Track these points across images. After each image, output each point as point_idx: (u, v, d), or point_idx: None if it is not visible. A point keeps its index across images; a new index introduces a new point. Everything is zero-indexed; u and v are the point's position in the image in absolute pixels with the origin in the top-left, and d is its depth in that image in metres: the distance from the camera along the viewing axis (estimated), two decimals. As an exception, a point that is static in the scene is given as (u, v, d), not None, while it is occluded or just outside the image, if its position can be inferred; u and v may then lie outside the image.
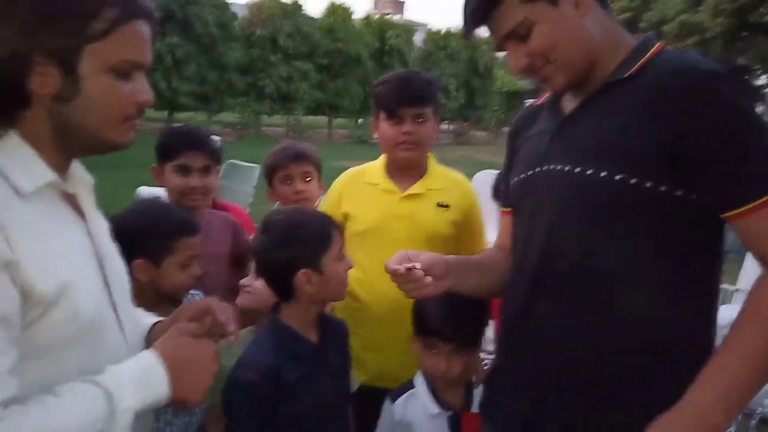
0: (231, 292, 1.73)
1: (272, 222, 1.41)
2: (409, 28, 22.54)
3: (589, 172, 1.06)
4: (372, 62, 20.35)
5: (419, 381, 1.54)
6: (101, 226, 1.01)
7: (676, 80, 1.02)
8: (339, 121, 21.30)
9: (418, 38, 23.22)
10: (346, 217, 1.83)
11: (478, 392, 1.51)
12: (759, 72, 23.80)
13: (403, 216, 1.77)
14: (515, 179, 1.26)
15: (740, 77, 1.08)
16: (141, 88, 0.92)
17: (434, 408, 1.49)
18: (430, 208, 1.79)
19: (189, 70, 16.47)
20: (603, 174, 1.04)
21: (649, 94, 1.03)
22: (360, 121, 20.83)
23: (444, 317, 1.45)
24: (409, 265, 1.17)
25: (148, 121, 17.82)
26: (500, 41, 1.11)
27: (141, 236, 1.44)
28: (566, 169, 1.10)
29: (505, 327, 1.26)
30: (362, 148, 17.08)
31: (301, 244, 1.36)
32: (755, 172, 0.97)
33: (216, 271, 1.76)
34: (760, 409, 2.95)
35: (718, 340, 1.07)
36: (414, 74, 1.81)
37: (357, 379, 1.73)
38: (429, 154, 1.86)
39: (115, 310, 0.96)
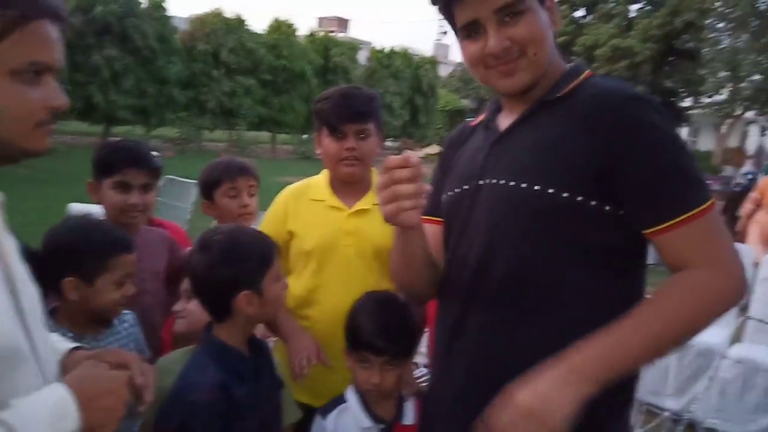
0: (166, 309, 1.69)
1: (212, 241, 1.38)
2: (353, 46, 22.73)
3: (523, 186, 1.09)
4: (316, 79, 20.39)
5: (350, 395, 1.54)
6: (11, 247, 0.93)
7: (602, 102, 1.07)
8: (282, 136, 21.17)
9: (362, 56, 23.43)
10: (291, 235, 1.80)
11: (410, 404, 1.53)
12: (684, 95, 25.24)
13: (351, 233, 1.75)
14: (449, 193, 1.27)
15: (659, 101, 1.13)
16: (52, 91, 0.87)
17: (366, 421, 1.49)
18: (377, 224, 1.71)
19: (127, 83, 16.01)
20: (537, 188, 1.07)
21: (578, 114, 1.08)
22: (304, 136, 20.79)
23: (376, 331, 1.46)
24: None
25: (84, 135, 17.21)
26: (489, 14, 1.09)
27: (74, 253, 1.39)
28: (501, 182, 1.13)
29: (440, 340, 1.26)
30: (306, 163, 17.01)
31: (242, 264, 1.34)
32: (671, 192, 1.02)
33: (152, 288, 1.72)
34: (687, 414, 3.09)
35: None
36: (355, 90, 1.80)
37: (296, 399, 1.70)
38: (373, 169, 1.85)
39: (29, 337, 0.89)
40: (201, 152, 17.15)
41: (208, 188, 2.02)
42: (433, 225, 1.31)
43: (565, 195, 1.05)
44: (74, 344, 1.10)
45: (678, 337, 1.03)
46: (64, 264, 1.39)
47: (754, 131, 25.79)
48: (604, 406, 1.02)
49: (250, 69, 18.77)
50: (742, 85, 20.98)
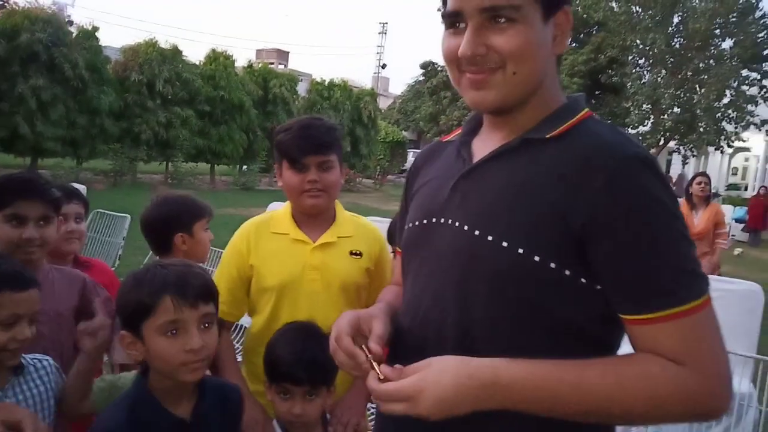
0: (71, 353, 1.55)
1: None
2: (292, 78, 22.75)
3: (489, 239, 0.94)
4: (256, 110, 20.21)
5: (276, 427, 1.52)
6: None
7: (596, 158, 0.90)
8: (222, 168, 20.78)
9: (302, 87, 23.47)
10: (252, 269, 1.74)
11: None
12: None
13: (317, 267, 1.70)
14: (409, 225, 1.13)
15: (658, 165, 0.94)
16: None
17: None
18: (343, 257, 1.74)
19: (56, 114, 15.35)
20: (505, 244, 0.93)
21: (568, 166, 0.92)
22: (244, 168, 20.49)
23: (295, 362, 1.45)
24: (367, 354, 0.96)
25: (8, 168, 16.35)
26: (473, 11, 0.93)
27: None
28: (465, 228, 0.99)
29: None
30: (246, 195, 16.74)
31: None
32: (662, 279, 0.87)
33: (51, 332, 1.57)
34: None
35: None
36: (315, 120, 1.76)
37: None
38: (336, 201, 1.82)
39: None
40: (135, 185, 16.59)
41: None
42: (399, 257, 1.22)
43: (537, 258, 0.90)
44: None
45: (616, 417, 0.91)
46: None
47: (676, 160, 27.39)
48: None
49: (186, 100, 18.37)
50: (663, 117, 22.27)
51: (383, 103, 34.03)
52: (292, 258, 1.71)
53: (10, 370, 1.36)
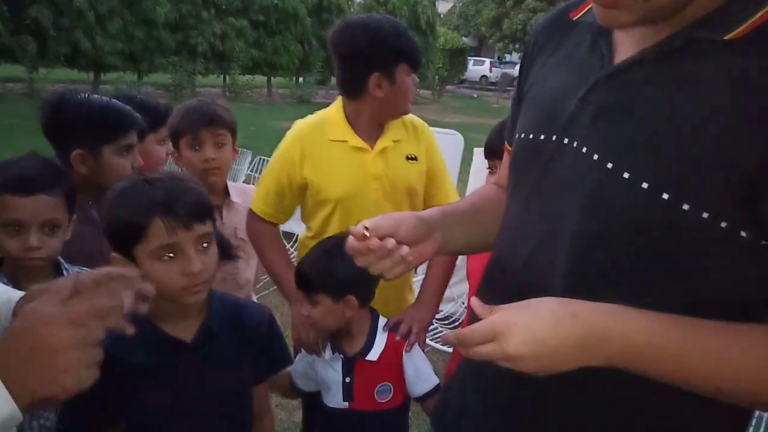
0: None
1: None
2: (348, -17, 21.81)
3: (625, 176, 0.72)
4: (310, 18, 19.65)
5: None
6: None
7: None
8: (278, 80, 20.58)
9: (357, -7, 22.54)
10: (305, 181, 1.64)
11: (380, 342, 1.53)
12: None
13: (378, 176, 1.63)
14: (521, 135, 0.90)
15: None
16: None
17: (328, 353, 1.54)
18: (401, 162, 1.67)
19: (113, 27, 15.39)
20: (645, 185, 0.70)
21: (751, 82, 0.67)
22: (300, 80, 20.21)
23: (309, 266, 1.48)
24: (365, 233, 0.86)
25: (72, 83, 16.74)
26: None
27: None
28: (594, 157, 0.75)
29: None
30: (304, 107, 16.58)
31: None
32: None
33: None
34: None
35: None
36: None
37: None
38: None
39: None
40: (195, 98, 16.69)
41: (174, 138, 1.81)
42: (509, 157, 1.00)
43: (685, 207, 0.69)
44: (21, 293, 0.95)
45: (756, 399, 0.71)
46: None
47: None
48: None
49: (241, 9, 18.01)
50: None
51: (442, 7, 32.40)
52: (352, 168, 1.62)
53: (50, 278, 1.28)
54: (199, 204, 1.13)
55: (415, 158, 1.69)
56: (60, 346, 0.68)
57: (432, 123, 1.79)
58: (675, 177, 0.69)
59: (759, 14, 0.68)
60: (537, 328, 0.70)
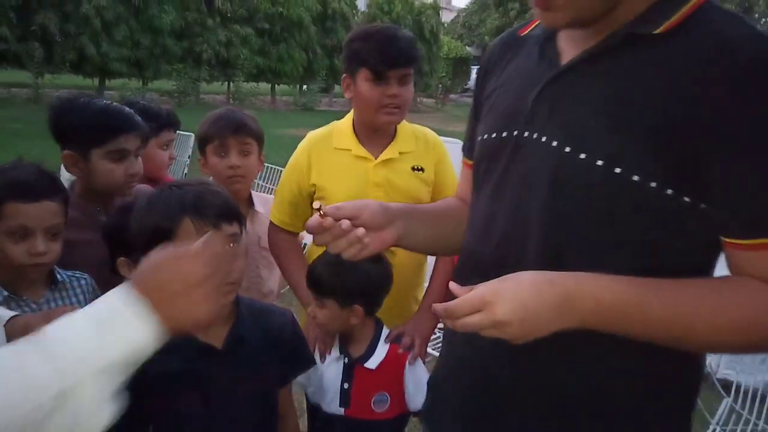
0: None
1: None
2: (352, -8, 21.96)
3: (582, 157, 0.81)
4: (315, 27, 19.79)
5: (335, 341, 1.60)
6: None
7: (725, 59, 0.74)
8: (282, 88, 20.71)
9: (361, 2, 22.69)
10: (313, 187, 1.68)
11: (381, 350, 1.52)
12: None
13: (380, 184, 1.65)
14: (484, 136, 0.98)
15: None
16: None
17: (336, 352, 1.54)
18: (405, 173, 1.69)
19: (119, 34, 15.54)
20: (599, 163, 0.80)
21: (683, 69, 0.76)
22: (304, 87, 20.33)
23: (320, 268, 1.46)
24: (320, 213, 0.93)
25: (78, 89, 16.84)
26: None
27: None
28: (553, 144, 0.85)
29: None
30: (306, 115, 16.68)
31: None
32: None
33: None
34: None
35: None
36: (397, 31, 1.62)
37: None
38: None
39: None
40: (199, 105, 16.80)
41: (201, 144, 1.85)
42: (469, 170, 1.09)
43: (635, 178, 0.78)
44: (12, 313, 0.96)
45: (708, 342, 0.82)
46: None
47: None
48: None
49: (246, 17, 18.17)
50: None
51: (446, 17, 32.58)
52: (354, 175, 1.66)
53: (45, 284, 1.33)
54: (226, 205, 1.16)
55: (421, 169, 1.70)
56: (198, 282, 0.73)
57: (434, 131, 1.82)
58: (624, 152, 0.79)
59: (683, 10, 0.79)
60: (522, 295, 0.78)
